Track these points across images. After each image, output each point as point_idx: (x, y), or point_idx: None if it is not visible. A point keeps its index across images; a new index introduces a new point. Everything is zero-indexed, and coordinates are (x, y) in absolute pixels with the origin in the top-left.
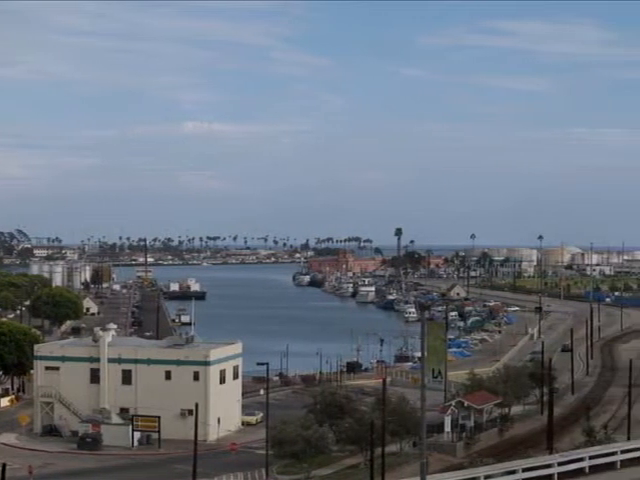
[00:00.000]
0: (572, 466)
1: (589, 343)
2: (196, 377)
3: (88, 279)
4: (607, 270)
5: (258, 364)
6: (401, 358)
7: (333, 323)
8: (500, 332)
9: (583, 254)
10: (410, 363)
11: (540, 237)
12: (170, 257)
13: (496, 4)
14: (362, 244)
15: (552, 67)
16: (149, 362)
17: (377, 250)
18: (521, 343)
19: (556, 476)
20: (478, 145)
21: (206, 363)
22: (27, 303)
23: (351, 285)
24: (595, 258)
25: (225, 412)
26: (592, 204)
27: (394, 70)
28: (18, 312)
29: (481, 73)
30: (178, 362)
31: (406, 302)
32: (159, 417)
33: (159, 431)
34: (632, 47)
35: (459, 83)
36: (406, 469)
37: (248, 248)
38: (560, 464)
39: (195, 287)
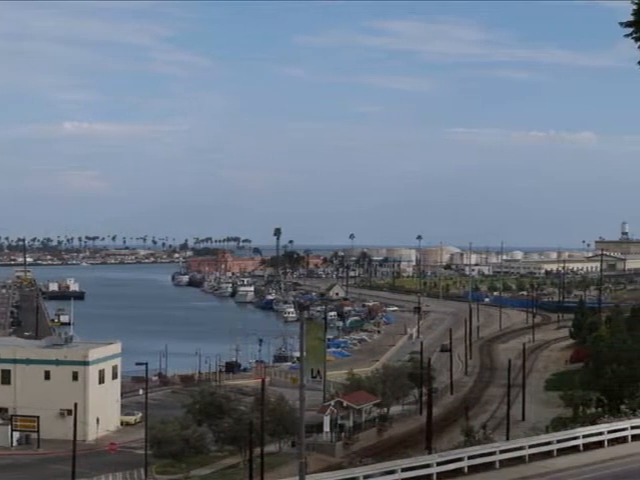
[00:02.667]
0: (451, 466)
1: (468, 343)
2: (75, 377)
3: None
4: (486, 270)
5: (137, 364)
6: (280, 358)
7: (212, 323)
8: (379, 332)
9: (462, 254)
10: (289, 363)
11: (419, 237)
12: (49, 257)
13: (377, 4)
14: (241, 244)
15: (432, 67)
16: (28, 362)
17: (256, 250)
18: (400, 343)
19: (435, 476)
20: (359, 145)
21: (85, 363)
22: None
23: (230, 285)
24: (474, 258)
25: (104, 412)
26: (471, 204)
27: (274, 70)
28: None
29: (362, 73)
30: (57, 362)
31: (285, 302)
32: (38, 417)
33: (38, 431)
34: (509, 47)
35: (340, 83)
36: (285, 469)
37: (127, 248)
38: (439, 464)
39: (74, 287)
